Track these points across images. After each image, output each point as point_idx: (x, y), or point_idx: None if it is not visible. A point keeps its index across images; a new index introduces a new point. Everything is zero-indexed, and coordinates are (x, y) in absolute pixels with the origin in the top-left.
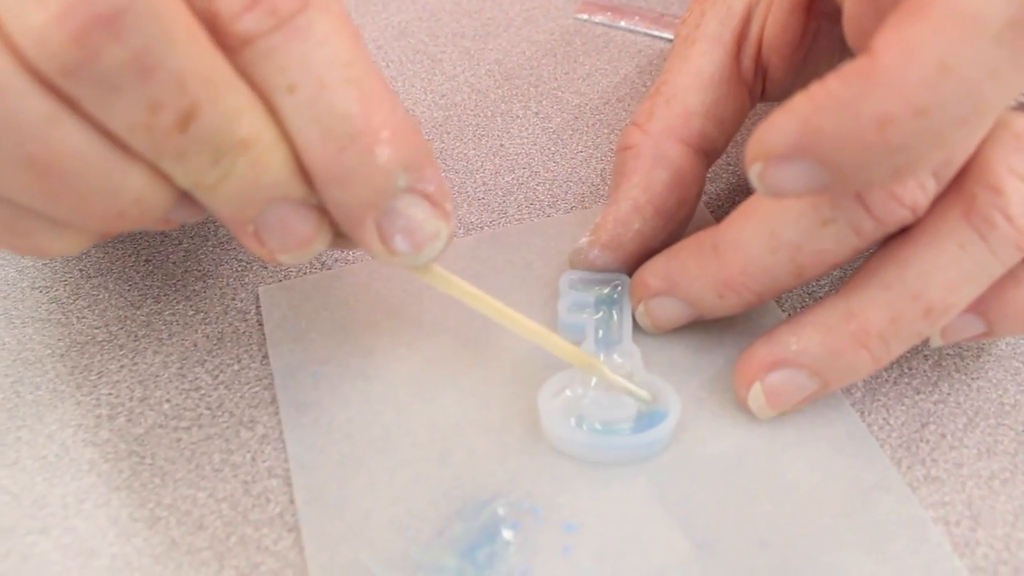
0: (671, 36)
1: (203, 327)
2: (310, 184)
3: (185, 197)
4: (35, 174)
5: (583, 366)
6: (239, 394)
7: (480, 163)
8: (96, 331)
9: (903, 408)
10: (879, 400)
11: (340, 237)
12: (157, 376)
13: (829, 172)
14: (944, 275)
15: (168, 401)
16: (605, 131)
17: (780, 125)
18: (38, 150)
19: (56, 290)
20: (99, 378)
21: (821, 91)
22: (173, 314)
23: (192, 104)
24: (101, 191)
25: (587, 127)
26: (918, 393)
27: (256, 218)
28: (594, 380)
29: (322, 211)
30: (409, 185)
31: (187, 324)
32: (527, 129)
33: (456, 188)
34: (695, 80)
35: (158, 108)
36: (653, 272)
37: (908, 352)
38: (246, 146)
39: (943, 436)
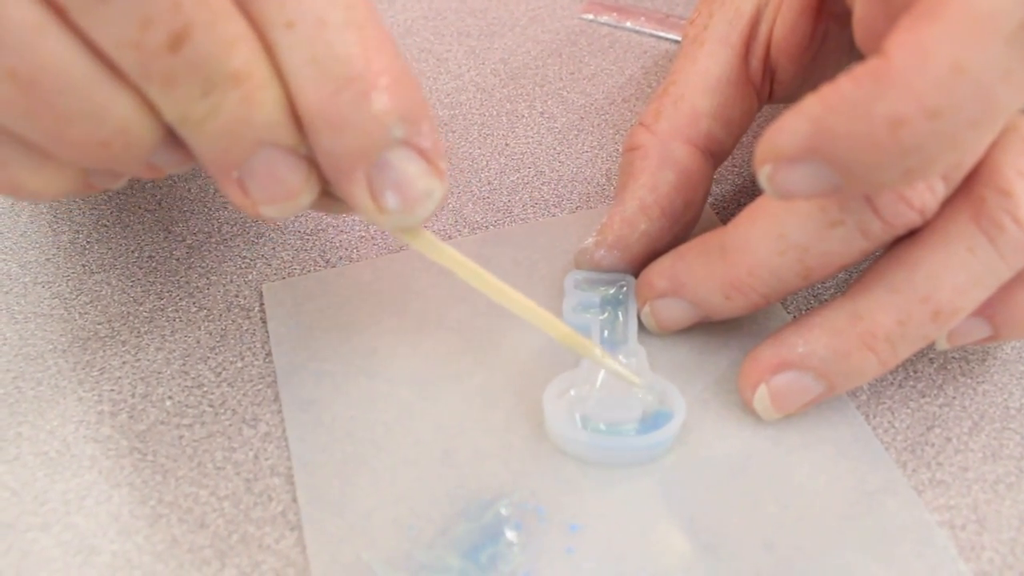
0: (677, 37)
1: (206, 324)
2: (301, 132)
3: (171, 138)
4: (17, 88)
5: (576, 346)
6: (242, 391)
7: (485, 162)
8: (98, 327)
9: (908, 411)
10: (884, 403)
11: (326, 196)
12: (159, 373)
13: (840, 174)
14: (952, 278)
15: (170, 398)
16: (610, 131)
17: (791, 127)
18: (22, 61)
19: (58, 285)
20: (101, 374)
21: (833, 92)
22: (176, 311)
23: (185, 25)
24: (84, 113)
25: (592, 127)
26: (923, 396)
27: (242, 163)
28: (599, 380)
29: (311, 162)
30: (404, 137)
31: (190, 321)
32: (532, 129)
33: (461, 187)
34: (703, 81)
35: (149, 24)
36: (659, 273)
37: (914, 355)
38: (238, 80)
39: (948, 440)
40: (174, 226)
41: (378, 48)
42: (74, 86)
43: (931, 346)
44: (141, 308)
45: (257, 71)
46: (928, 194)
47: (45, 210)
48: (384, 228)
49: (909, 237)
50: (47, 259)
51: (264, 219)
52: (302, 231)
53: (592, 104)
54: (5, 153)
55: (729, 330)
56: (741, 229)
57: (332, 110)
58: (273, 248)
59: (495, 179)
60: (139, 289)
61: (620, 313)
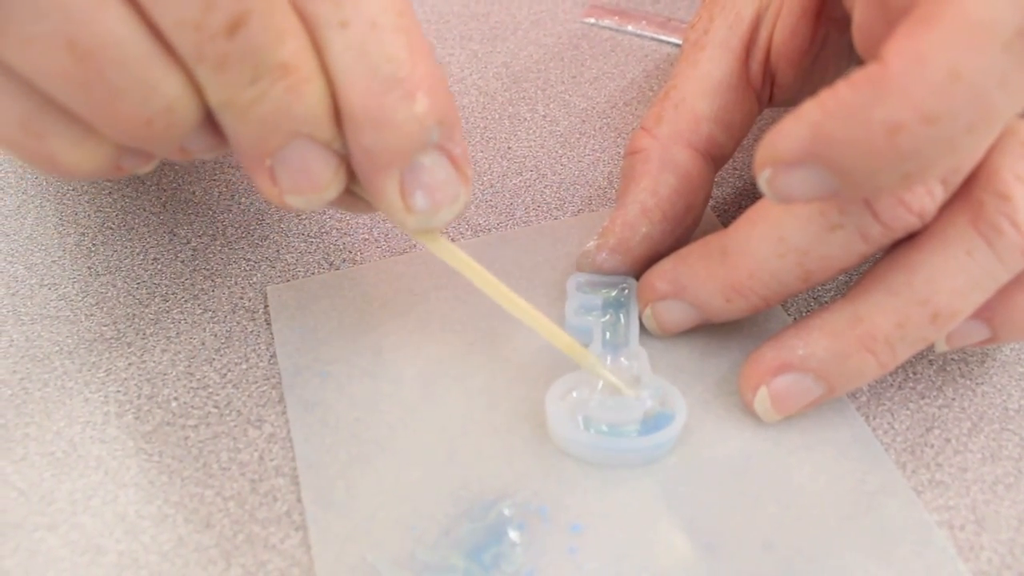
0: (678, 41)
1: (211, 326)
2: (337, 128)
3: (208, 122)
4: (73, 59)
5: (576, 356)
6: (247, 393)
7: (488, 165)
8: (104, 328)
9: (908, 413)
10: (884, 404)
11: (348, 194)
12: (165, 374)
13: (838, 178)
14: (951, 281)
15: (176, 399)
16: (612, 135)
17: (790, 131)
18: (81, 33)
19: (64, 287)
20: (107, 375)
21: (831, 98)
22: (181, 312)
23: (244, 11)
24: (135, 89)
25: (594, 131)
26: (923, 398)
27: (276, 152)
28: (601, 383)
29: (341, 158)
30: (440, 142)
31: (195, 323)
32: (535, 132)
33: None
34: (704, 85)
35: (211, 7)
36: (660, 275)
37: (913, 357)
38: (285, 70)
39: (948, 441)
40: (179, 229)
41: (423, 54)
42: (129, 62)
43: (930, 348)
44: (147, 310)
45: (305, 64)
46: (927, 198)
47: (51, 213)
48: (405, 228)
49: (908, 240)
50: (53, 261)
51: (287, 208)
52: (306, 234)
53: (594, 107)
54: (46, 125)
55: (730, 332)
56: (742, 232)
57: (377, 108)
58: (277, 251)
59: (497, 182)
60: (144, 291)
61: (622, 315)
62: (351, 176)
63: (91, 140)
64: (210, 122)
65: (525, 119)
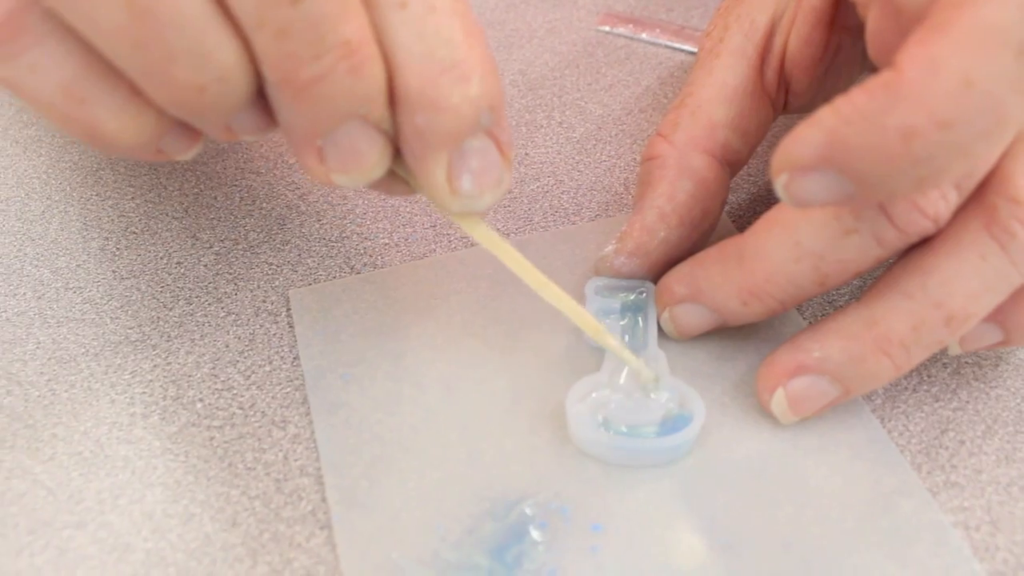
0: (692, 48)
1: (235, 328)
2: (390, 108)
3: (259, 101)
4: (131, 16)
5: (603, 342)
6: (271, 394)
7: None
8: (129, 331)
9: (923, 415)
10: (899, 407)
11: (388, 174)
12: (190, 376)
13: (853, 183)
14: (965, 284)
15: (201, 400)
16: (628, 141)
17: (806, 137)
18: None
19: (90, 291)
20: (133, 377)
21: (846, 104)
22: (205, 315)
23: None
24: (190, 53)
25: (610, 137)
26: (937, 400)
27: (329, 133)
28: (621, 380)
29: (389, 138)
30: (489, 126)
31: (219, 326)
32: (551, 138)
33: None
34: (719, 92)
35: None
36: (678, 279)
37: (927, 360)
38: (349, 48)
39: (962, 443)
40: (201, 233)
41: (478, 38)
42: (187, 23)
43: (944, 351)
44: (171, 313)
45: (367, 44)
46: (941, 202)
47: (75, 218)
48: (447, 210)
49: (923, 244)
50: (78, 265)
51: (330, 185)
52: (327, 238)
53: (610, 114)
54: (89, 88)
55: (746, 335)
56: (758, 237)
57: (434, 90)
58: (299, 255)
59: (516, 188)
60: (168, 295)
61: (640, 319)
62: (395, 156)
63: (134, 108)
64: (260, 101)
65: (542, 126)
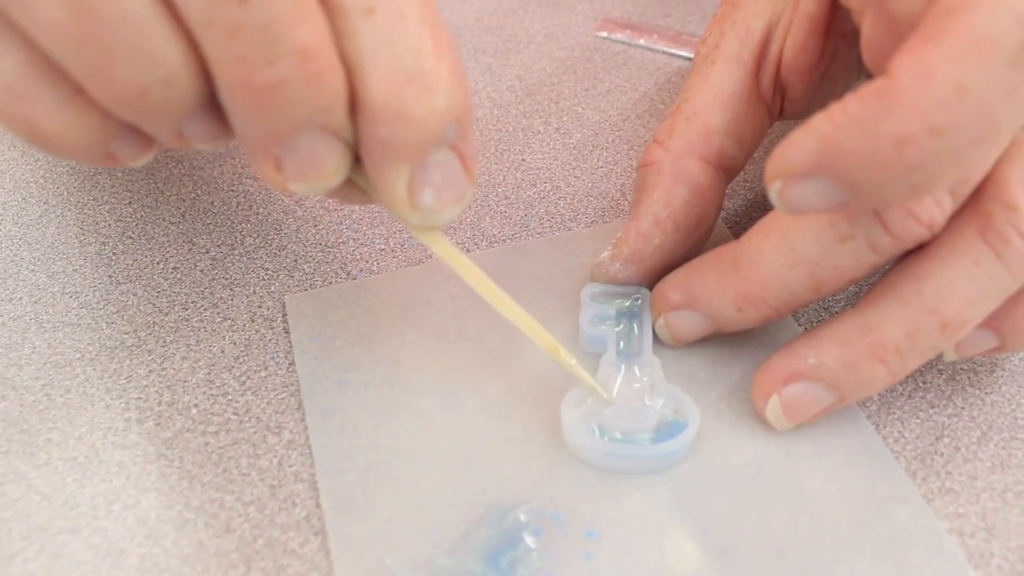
0: (689, 54)
1: (230, 334)
2: (351, 117)
3: (210, 107)
4: (70, 11)
5: (560, 360)
6: (266, 400)
7: (502, 177)
8: (125, 336)
9: (918, 421)
10: (894, 413)
11: (346, 183)
12: (185, 381)
13: (847, 190)
14: (960, 290)
15: (196, 406)
16: (625, 147)
17: (800, 143)
18: None
19: (86, 295)
20: (128, 382)
21: (840, 111)
22: (201, 321)
23: None
24: (132, 52)
25: (607, 143)
26: (932, 407)
27: (286, 141)
28: (615, 391)
29: (349, 146)
30: (454, 139)
31: (214, 331)
32: (548, 144)
33: (479, 201)
34: (715, 99)
35: None
36: (673, 286)
37: (923, 366)
38: (305, 55)
39: (957, 449)
40: (198, 238)
41: (447, 48)
42: (129, 21)
43: (939, 358)
44: (167, 318)
45: (325, 51)
46: (936, 209)
47: (72, 222)
48: (406, 223)
49: (917, 251)
50: (74, 270)
51: (288, 193)
52: (323, 244)
53: (606, 120)
54: (32, 85)
55: (742, 342)
56: (753, 243)
57: (399, 100)
58: (295, 260)
59: (512, 193)
60: (164, 300)
61: (635, 325)
62: (354, 164)
63: (76, 108)
64: (213, 108)
65: (539, 131)
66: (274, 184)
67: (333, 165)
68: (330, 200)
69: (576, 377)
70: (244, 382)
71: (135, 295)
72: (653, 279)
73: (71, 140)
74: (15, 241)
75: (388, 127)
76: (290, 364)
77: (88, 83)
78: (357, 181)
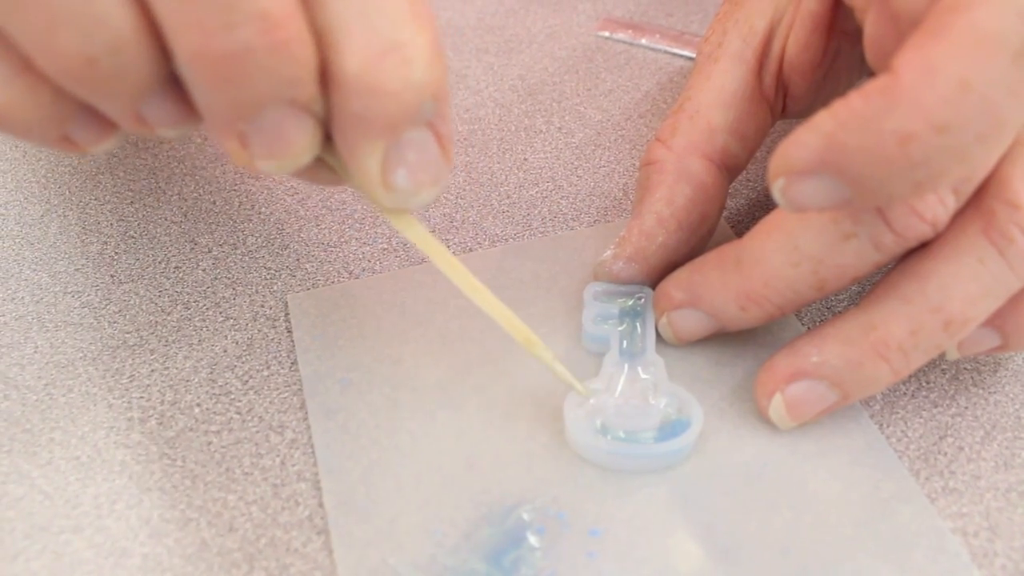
0: (691, 54)
1: (232, 333)
2: (321, 91)
3: (170, 87)
4: None
5: (533, 350)
6: (268, 399)
7: (504, 176)
8: (127, 335)
9: (921, 421)
10: (897, 413)
11: (317, 163)
12: (188, 380)
13: (851, 187)
14: (963, 289)
15: (198, 405)
16: (627, 146)
17: (803, 141)
18: None
19: (88, 295)
20: (130, 382)
21: (844, 108)
22: (203, 320)
23: None
24: (76, 17)
25: (609, 142)
26: (936, 406)
27: (252, 118)
28: (618, 390)
29: (319, 121)
30: (430, 117)
31: (217, 330)
32: (550, 144)
33: (481, 201)
34: (718, 97)
35: None
36: (676, 284)
37: (926, 366)
38: (267, 22)
39: (961, 448)
40: (200, 238)
41: (426, 19)
42: None
43: (942, 357)
44: (169, 318)
45: (291, 20)
46: (939, 207)
47: (74, 222)
48: (379, 205)
49: (921, 249)
50: (76, 269)
51: (256, 172)
52: (325, 243)
53: (609, 120)
54: None
55: (745, 341)
56: (756, 241)
57: (373, 73)
58: (297, 260)
59: (514, 193)
60: (166, 299)
61: (638, 324)
62: (324, 142)
63: (25, 82)
64: (174, 87)
65: (541, 131)
66: (240, 162)
67: (303, 142)
68: (331, 199)
69: (552, 371)
70: (247, 381)
71: (137, 294)
72: (656, 278)
73: (20, 117)
74: (17, 241)
75: (362, 101)
76: (292, 363)
77: (32, 51)
78: (327, 160)
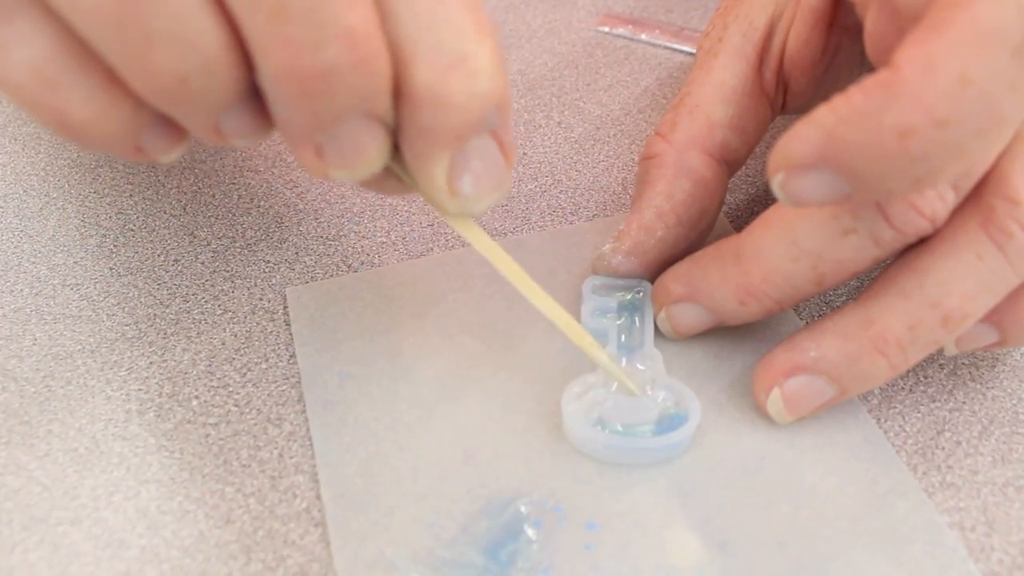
0: (691, 49)
1: (231, 326)
2: (394, 103)
3: (251, 101)
4: None
5: (595, 357)
6: (266, 392)
7: None
8: (126, 328)
9: (919, 415)
10: (895, 407)
11: (383, 171)
12: (186, 373)
13: (850, 181)
14: (962, 284)
15: (197, 398)
16: (626, 141)
17: (803, 135)
18: None
19: (86, 287)
20: (129, 374)
21: (843, 103)
22: (202, 313)
23: None
24: (173, 37)
25: (608, 137)
26: (933, 401)
27: (331, 129)
28: (616, 384)
29: (390, 131)
30: (494, 126)
31: (215, 323)
32: (550, 138)
33: None
34: (718, 92)
35: None
36: (675, 278)
37: (924, 360)
38: (354, 39)
39: (958, 443)
40: (199, 231)
41: (488, 32)
42: (171, 2)
43: (940, 352)
44: (167, 310)
45: (374, 35)
46: (938, 202)
47: (73, 215)
48: (443, 211)
49: (920, 244)
50: (75, 262)
51: (327, 179)
52: (325, 237)
53: (608, 115)
54: (62, 71)
55: (743, 335)
56: (755, 236)
57: (441, 85)
58: (296, 253)
59: (514, 187)
60: (165, 292)
61: (637, 318)
62: (392, 152)
63: (109, 97)
64: (252, 101)
65: (540, 126)
66: (314, 171)
67: (375, 151)
68: (330, 193)
69: (610, 373)
70: (245, 374)
71: (136, 287)
72: (655, 272)
73: (101, 131)
74: (16, 233)
75: (430, 113)
76: (291, 356)
77: (125, 69)
78: (395, 169)
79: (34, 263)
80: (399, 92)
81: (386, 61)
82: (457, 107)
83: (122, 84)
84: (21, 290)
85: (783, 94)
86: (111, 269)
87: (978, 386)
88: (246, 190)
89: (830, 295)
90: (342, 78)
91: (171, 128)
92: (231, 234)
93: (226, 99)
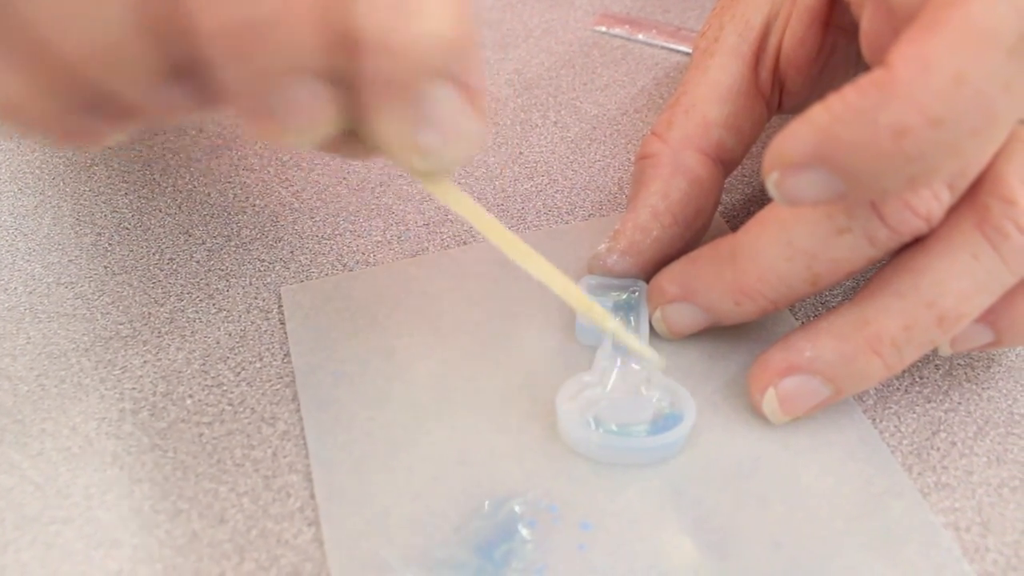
0: (688, 49)
1: (225, 325)
2: (345, 55)
3: (189, 70)
4: None
5: (595, 317)
6: (261, 391)
7: (500, 170)
8: (120, 327)
9: (914, 416)
10: (891, 408)
11: (350, 137)
12: (180, 372)
13: (845, 181)
14: (957, 284)
15: (191, 397)
16: (622, 141)
17: (798, 134)
18: None
19: (81, 286)
20: (123, 373)
21: (838, 101)
22: (196, 311)
23: None
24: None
25: (605, 137)
26: (929, 401)
27: (277, 91)
28: (611, 383)
29: (345, 89)
30: (454, 71)
31: (210, 322)
32: (546, 138)
33: (476, 195)
34: (714, 91)
35: None
36: (670, 278)
37: (919, 361)
38: None
39: (953, 444)
40: (194, 230)
41: None
42: None
43: (936, 352)
44: (162, 309)
45: None
46: (934, 202)
47: (68, 213)
48: (411, 171)
49: (915, 244)
50: (70, 260)
51: (281, 144)
52: (319, 236)
53: (604, 114)
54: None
55: (738, 335)
56: (751, 236)
57: (387, 28)
58: (291, 252)
59: (509, 187)
60: (160, 291)
61: (632, 318)
62: (353, 114)
63: (35, 68)
64: (189, 71)
65: (536, 125)
66: (266, 136)
67: (325, 111)
68: (326, 192)
69: (619, 338)
70: (239, 373)
71: (130, 286)
72: (650, 272)
73: (29, 108)
74: (10, 231)
75: (374, 60)
76: (285, 355)
77: (53, 35)
78: (359, 133)
79: (28, 261)
80: (348, 44)
81: (328, 12)
82: (405, 50)
83: (47, 61)
84: (15, 288)
85: (779, 94)
86: (105, 267)
87: (973, 387)
88: (241, 189)
89: (825, 295)
90: (276, 29)
91: (107, 107)
92: (226, 233)
93: (164, 64)
